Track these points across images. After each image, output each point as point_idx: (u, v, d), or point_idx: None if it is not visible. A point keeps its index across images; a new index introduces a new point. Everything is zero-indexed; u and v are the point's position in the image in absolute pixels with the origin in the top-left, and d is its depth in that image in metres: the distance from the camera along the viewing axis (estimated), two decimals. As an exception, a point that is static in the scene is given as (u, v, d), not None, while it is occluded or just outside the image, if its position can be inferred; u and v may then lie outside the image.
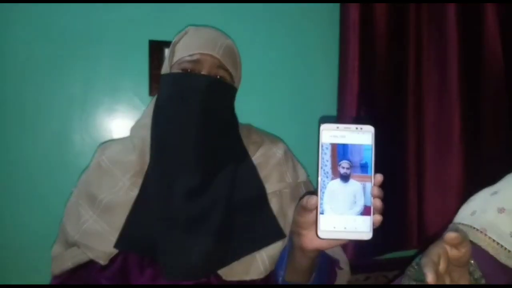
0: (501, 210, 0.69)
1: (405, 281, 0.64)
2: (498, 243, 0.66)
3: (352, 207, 0.55)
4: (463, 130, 1.27)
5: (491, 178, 0.80)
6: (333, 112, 1.30)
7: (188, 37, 0.94)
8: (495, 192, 0.73)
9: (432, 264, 0.52)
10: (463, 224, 0.72)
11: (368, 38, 1.23)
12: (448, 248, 0.55)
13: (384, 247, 1.24)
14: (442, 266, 0.53)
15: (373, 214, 0.56)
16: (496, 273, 0.64)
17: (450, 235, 0.54)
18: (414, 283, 0.61)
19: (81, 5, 1.19)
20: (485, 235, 0.67)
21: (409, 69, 1.30)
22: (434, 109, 1.30)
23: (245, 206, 0.88)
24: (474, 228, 0.69)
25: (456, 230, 0.57)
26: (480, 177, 1.26)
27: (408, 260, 0.74)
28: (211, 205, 0.85)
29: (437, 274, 0.51)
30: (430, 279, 0.50)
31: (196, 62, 0.89)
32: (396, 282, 0.73)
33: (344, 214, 0.56)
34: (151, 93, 1.24)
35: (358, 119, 1.19)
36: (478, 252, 0.66)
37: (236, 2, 1.29)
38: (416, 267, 0.64)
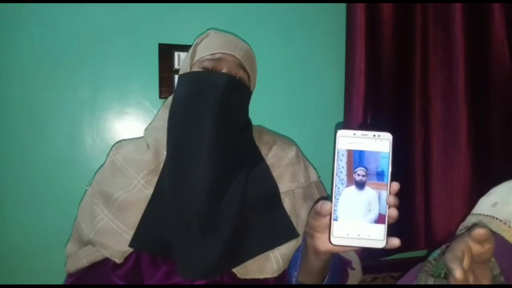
0: None
1: (422, 276, 0.63)
2: None
3: (367, 214, 0.55)
4: (470, 131, 1.26)
5: (498, 180, 0.81)
6: (340, 114, 1.31)
7: (210, 38, 0.96)
8: None
9: (458, 260, 0.51)
10: (483, 215, 0.71)
11: (375, 41, 1.24)
12: (472, 244, 0.54)
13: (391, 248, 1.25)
14: (466, 263, 0.52)
15: (388, 223, 0.56)
16: None
17: (479, 231, 0.52)
18: (432, 278, 0.61)
19: (91, 9, 1.20)
20: (509, 226, 0.66)
21: (415, 71, 1.30)
22: (441, 111, 1.30)
23: (258, 205, 0.89)
24: (496, 218, 0.68)
25: (483, 226, 0.56)
26: (487, 179, 1.26)
27: (415, 261, 0.74)
28: (225, 204, 0.86)
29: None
30: (458, 274, 0.49)
31: (217, 60, 0.91)
32: (404, 278, 0.73)
33: (358, 221, 0.55)
34: (160, 96, 1.25)
35: (374, 126, 1.19)
36: (500, 242, 0.65)
37: (243, 2, 1.30)
38: (433, 262, 0.64)
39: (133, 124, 1.25)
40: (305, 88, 1.37)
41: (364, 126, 1.19)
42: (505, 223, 0.67)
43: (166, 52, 1.24)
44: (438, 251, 0.67)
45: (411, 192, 1.29)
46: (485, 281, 0.56)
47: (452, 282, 0.52)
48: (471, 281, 0.53)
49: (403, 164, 1.28)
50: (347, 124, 1.26)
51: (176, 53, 1.25)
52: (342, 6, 1.33)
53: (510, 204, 0.69)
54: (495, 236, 0.66)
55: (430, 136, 1.31)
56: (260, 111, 1.17)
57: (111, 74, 1.23)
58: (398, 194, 0.57)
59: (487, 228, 0.54)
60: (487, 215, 0.70)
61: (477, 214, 0.73)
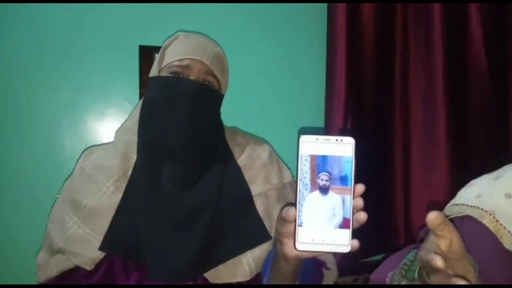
0: (508, 196, 0.68)
1: (395, 276, 0.64)
2: (505, 228, 0.66)
3: (331, 219, 0.54)
4: (449, 132, 1.28)
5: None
6: (321, 116, 1.31)
7: (178, 42, 0.95)
8: (498, 177, 0.73)
9: (432, 252, 0.48)
10: (468, 205, 0.71)
11: (355, 44, 1.25)
12: (436, 241, 0.51)
13: (372, 249, 1.26)
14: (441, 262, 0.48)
15: (352, 227, 0.55)
16: (494, 256, 0.64)
17: (431, 214, 0.48)
18: (405, 280, 0.61)
19: (72, 10, 1.19)
20: (494, 217, 0.67)
21: (395, 74, 1.32)
22: (421, 112, 1.32)
23: (230, 208, 0.89)
24: (482, 209, 0.68)
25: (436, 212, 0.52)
26: (466, 179, 1.27)
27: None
28: (199, 207, 0.86)
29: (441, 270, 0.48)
30: (439, 262, 0.47)
31: (185, 67, 0.90)
32: (376, 272, 0.73)
33: (322, 226, 0.55)
34: (141, 97, 1.24)
35: (341, 131, 1.20)
36: (480, 230, 0.66)
37: (225, 2, 1.29)
38: (409, 263, 0.64)
39: (113, 125, 1.23)
40: (286, 90, 1.37)
41: (344, 130, 1.19)
42: (490, 214, 0.67)
43: (146, 54, 1.24)
44: (413, 252, 0.66)
45: (390, 192, 1.30)
46: (470, 276, 0.53)
47: (434, 281, 0.49)
48: (455, 280, 0.49)
49: (384, 165, 1.29)
50: (328, 125, 1.26)
51: (156, 55, 1.23)
52: (324, 6, 1.33)
53: (494, 196, 0.69)
54: (476, 225, 0.66)
55: (409, 137, 1.32)
56: (240, 112, 1.17)
57: (92, 76, 1.22)
58: (365, 196, 0.56)
59: (437, 212, 0.50)
60: (472, 206, 0.70)
61: (460, 204, 0.73)
